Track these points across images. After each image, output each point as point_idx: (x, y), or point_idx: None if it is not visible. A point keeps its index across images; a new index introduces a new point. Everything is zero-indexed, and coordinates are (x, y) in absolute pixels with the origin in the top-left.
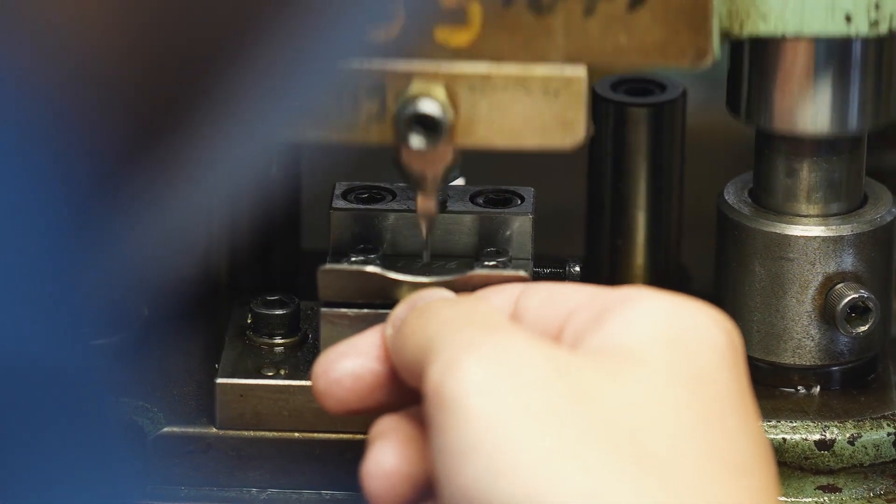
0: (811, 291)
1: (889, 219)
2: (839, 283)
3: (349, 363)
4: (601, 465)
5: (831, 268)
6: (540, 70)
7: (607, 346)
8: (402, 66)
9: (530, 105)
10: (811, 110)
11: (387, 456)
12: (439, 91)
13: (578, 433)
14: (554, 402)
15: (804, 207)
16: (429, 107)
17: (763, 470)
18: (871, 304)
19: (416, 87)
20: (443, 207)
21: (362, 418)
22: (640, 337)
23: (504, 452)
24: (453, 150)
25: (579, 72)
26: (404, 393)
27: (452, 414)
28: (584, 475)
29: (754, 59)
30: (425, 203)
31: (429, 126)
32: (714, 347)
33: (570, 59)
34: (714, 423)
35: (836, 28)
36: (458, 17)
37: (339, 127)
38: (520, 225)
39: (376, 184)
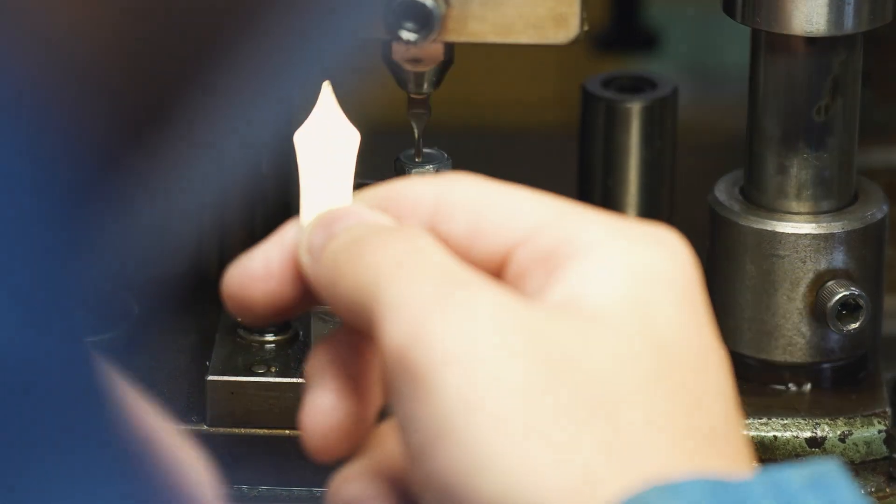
0: (802, 288)
1: (879, 216)
2: (830, 280)
3: (259, 287)
4: (582, 447)
5: (822, 265)
6: None
7: (571, 305)
8: None
9: None
10: (807, 8)
11: (325, 398)
12: None
13: (557, 411)
14: (531, 375)
15: (795, 205)
16: None
17: (734, 432)
18: (861, 302)
19: None
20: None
21: None
22: (602, 296)
23: (484, 443)
24: (445, 48)
25: None
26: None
27: (422, 386)
28: (566, 464)
29: None
30: (416, 105)
31: (420, 17)
32: (674, 289)
33: None
34: (684, 390)
35: None
36: None
37: None
38: None
39: (364, 181)
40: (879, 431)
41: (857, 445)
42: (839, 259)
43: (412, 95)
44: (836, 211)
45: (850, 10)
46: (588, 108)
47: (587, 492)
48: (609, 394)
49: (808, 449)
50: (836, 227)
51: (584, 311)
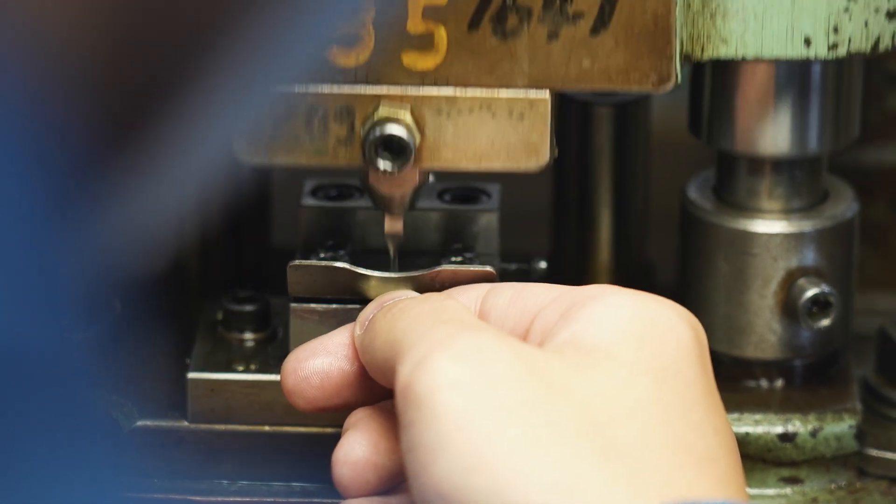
0: (773, 286)
1: (849, 214)
2: (801, 277)
3: (318, 362)
4: (571, 456)
5: (793, 263)
6: (505, 93)
7: (575, 341)
8: (370, 90)
9: (495, 128)
10: (772, 132)
11: (356, 446)
12: (406, 115)
13: (548, 426)
14: (524, 395)
15: (766, 203)
16: (396, 130)
17: (728, 460)
18: (832, 299)
19: (383, 110)
20: (411, 204)
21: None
22: (606, 332)
23: (475, 447)
24: (420, 173)
25: (544, 95)
26: (373, 392)
27: (423, 409)
28: (553, 467)
29: (715, 82)
30: (392, 224)
31: (396, 149)
32: (680, 342)
33: (535, 83)
34: (681, 415)
35: (795, 51)
36: (424, 43)
37: (308, 152)
38: (486, 221)
39: (345, 181)
40: (850, 427)
41: (828, 440)
42: (810, 257)
43: (388, 215)
44: (807, 210)
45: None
46: (562, 109)
47: (576, 493)
48: (601, 413)
49: (779, 444)
50: (806, 225)
51: (583, 346)
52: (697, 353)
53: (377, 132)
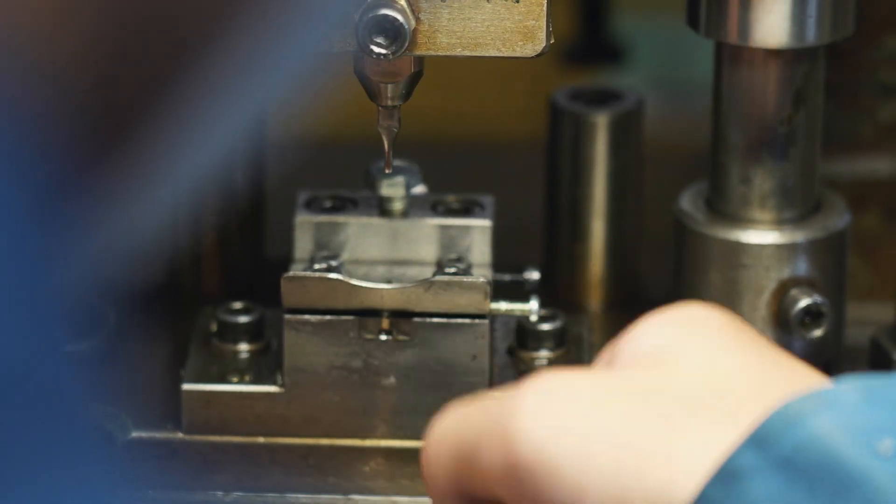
0: (766, 296)
1: (842, 225)
2: (793, 288)
3: None
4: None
5: (785, 273)
6: None
7: (635, 356)
8: None
9: (491, 12)
10: (770, 21)
11: None
12: None
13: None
14: (617, 390)
15: (758, 214)
16: (391, 12)
17: None
18: (824, 309)
19: None
20: (404, 216)
21: (326, 422)
22: (656, 336)
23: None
24: (414, 61)
25: None
26: None
27: (541, 466)
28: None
29: None
30: (386, 117)
31: (391, 33)
32: (722, 318)
33: None
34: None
35: None
36: None
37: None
38: (479, 232)
39: (339, 193)
40: None
41: None
42: (802, 268)
43: (382, 107)
44: (800, 220)
45: (811, 22)
46: (555, 120)
47: None
48: (694, 386)
49: None
50: (798, 236)
51: (646, 355)
52: (737, 326)
53: (372, 14)
